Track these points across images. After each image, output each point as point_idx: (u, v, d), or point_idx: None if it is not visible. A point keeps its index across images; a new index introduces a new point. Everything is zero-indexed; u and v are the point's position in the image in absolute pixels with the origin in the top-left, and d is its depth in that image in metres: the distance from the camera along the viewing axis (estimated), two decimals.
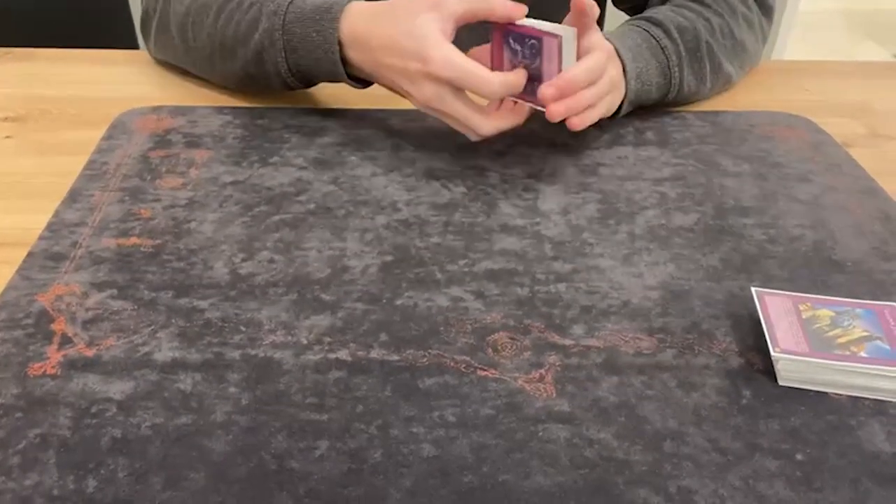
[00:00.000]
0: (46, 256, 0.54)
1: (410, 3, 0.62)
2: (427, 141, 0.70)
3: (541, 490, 0.39)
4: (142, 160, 0.66)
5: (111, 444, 0.41)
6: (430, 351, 0.48)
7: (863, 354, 0.45)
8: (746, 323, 0.50)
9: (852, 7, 3.29)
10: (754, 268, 0.56)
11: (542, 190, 0.64)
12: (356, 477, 0.40)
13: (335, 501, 0.38)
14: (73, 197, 0.61)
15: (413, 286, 0.53)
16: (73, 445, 0.41)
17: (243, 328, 0.49)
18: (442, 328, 0.49)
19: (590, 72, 0.60)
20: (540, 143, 0.70)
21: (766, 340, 0.46)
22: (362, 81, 0.69)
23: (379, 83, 0.68)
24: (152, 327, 0.48)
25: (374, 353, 0.47)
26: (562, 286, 0.53)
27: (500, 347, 0.48)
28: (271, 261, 0.55)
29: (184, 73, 0.80)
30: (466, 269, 0.54)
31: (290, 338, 0.48)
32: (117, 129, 0.71)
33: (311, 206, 0.61)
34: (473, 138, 0.64)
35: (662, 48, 0.71)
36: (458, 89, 0.61)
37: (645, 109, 0.74)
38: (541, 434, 0.42)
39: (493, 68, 0.63)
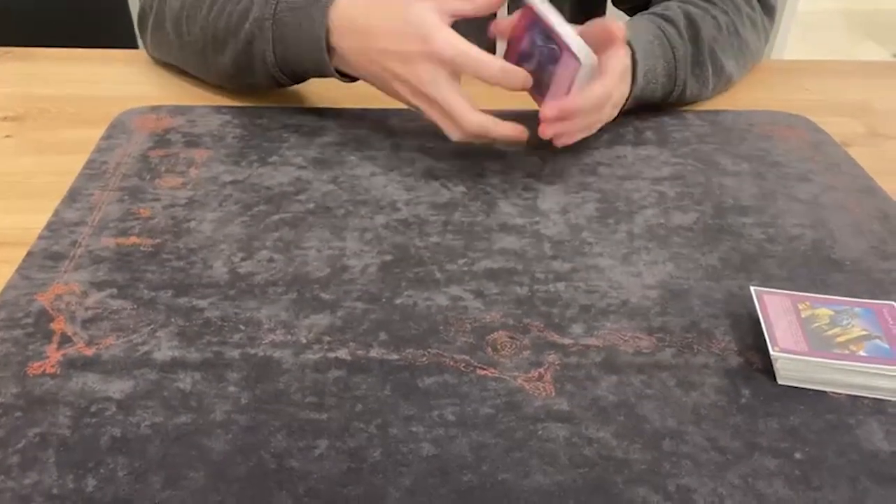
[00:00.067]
0: (46, 256, 0.54)
1: None
2: (426, 140, 0.70)
3: (540, 489, 0.39)
4: (141, 159, 0.66)
5: (111, 443, 0.41)
6: (429, 350, 0.48)
7: (862, 353, 0.45)
8: (745, 322, 0.50)
9: (852, 7, 3.29)
10: (753, 267, 0.56)
11: (542, 189, 0.64)
12: (355, 476, 0.40)
13: (335, 500, 0.39)
14: (72, 196, 0.61)
15: (412, 285, 0.53)
16: (73, 444, 0.41)
17: (243, 327, 0.49)
18: (441, 327, 0.49)
19: (597, 100, 0.61)
20: (539, 143, 0.70)
21: (765, 339, 0.46)
22: (348, 76, 0.69)
23: (364, 74, 0.67)
24: (152, 326, 0.49)
25: (374, 353, 0.47)
26: (561, 285, 0.53)
27: (499, 346, 0.48)
28: (271, 260, 0.55)
29: (183, 72, 0.80)
30: (466, 269, 0.55)
31: (289, 337, 0.48)
32: (117, 129, 0.71)
33: (311, 205, 0.61)
34: (454, 136, 0.63)
35: (673, 48, 0.71)
36: (453, 77, 0.61)
37: (644, 109, 0.74)
38: (540, 433, 0.42)
39: (510, 41, 0.63)
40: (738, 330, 0.50)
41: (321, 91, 0.78)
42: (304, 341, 0.48)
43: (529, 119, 0.63)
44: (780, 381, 0.46)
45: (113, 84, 0.81)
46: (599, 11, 0.94)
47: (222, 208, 0.60)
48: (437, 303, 0.51)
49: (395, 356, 0.47)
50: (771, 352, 0.46)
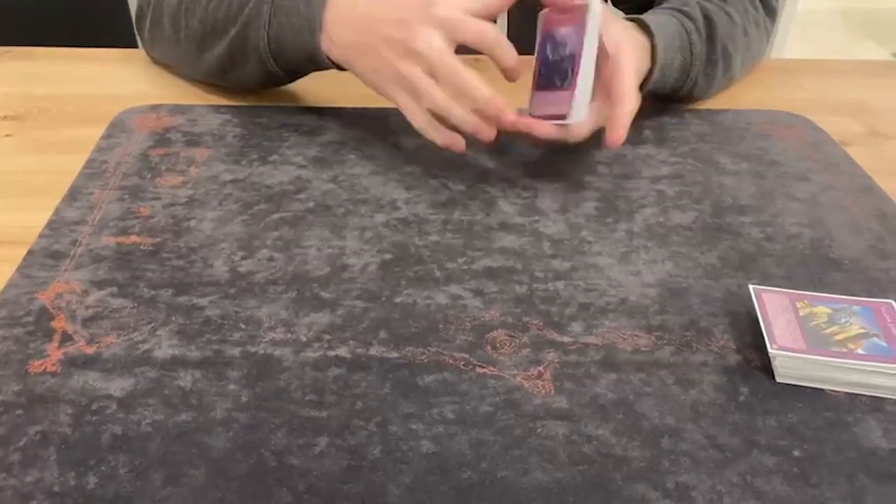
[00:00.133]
0: (46, 254, 0.54)
1: None
2: (426, 140, 0.70)
3: (539, 486, 0.40)
4: (141, 158, 0.66)
5: (111, 440, 0.41)
6: (429, 348, 0.48)
7: (860, 351, 0.45)
8: (744, 320, 0.51)
9: (851, 6, 3.30)
10: (752, 265, 0.56)
11: (541, 188, 0.64)
12: (355, 473, 0.40)
13: (335, 497, 0.39)
14: (72, 195, 0.61)
15: (412, 284, 0.53)
16: (74, 442, 0.41)
17: (243, 325, 0.49)
18: (441, 326, 0.49)
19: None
20: (539, 142, 0.70)
21: (763, 337, 0.46)
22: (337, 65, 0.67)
23: (358, 61, 0.64)
24: (152, 325, 0.49)
25: (374, 351, 0.47)
26: (560, 284, 0.53)
27: (498, 345, 0.48)
28: (271, 259, 0.55)
29: None
30: (465, 267, 0.55)
31: (289, 335, 0.48)
32: (117, 128, 0.71)
33: (311, 204, 0.61)
34: (432, 99, 0.60)
35: (691, 44, 0.71)
36: (449, 44, 0.59)
37: (644, 108, 0.74)
38: (539, 430, 0.43)
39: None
40: (737, 328, 0.50)
41: (321, 90, 0.78)
42: (304, 339, 0.48)
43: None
44: (778, 379, 0.46)
45: (113, 83, 0.81)
46: None
47: (222, 207, 0.60)
48: (436, 301, 0.51)
49: (394, 354, 0.47)
50: (769, 350, 0.46)
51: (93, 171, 0.64)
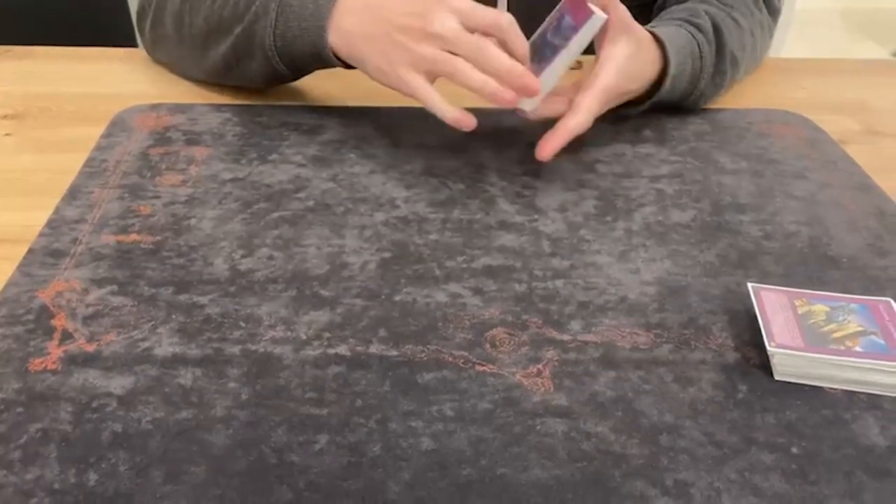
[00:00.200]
0: (46, 253, 0.54)
1: None
2: (426, 138, 0.70)
3: (538, 483, 0.40)
4: (141, 157, 0.66)
5: (112, 438, 0.41)
6: (428, 346, 0.48)
7: (857, 349, 0.45)
8: (743, 318, 0.51)
9: (851, 6, 3.30)
10: (751, 264, 0.56)
11: (540, 187, 0.64)
12: (355, 470, 0.40)
13: (335, 494, 0.39)
14: (72, 194, 0.61)
15: (412, 282, 0.53)
16: (74, 440, 0.41)
17: (243, 324, 0.49)
18: (440, 324, 0.50)
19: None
20: (538, 141, 0.70)
21: (761, 335, 0.47)
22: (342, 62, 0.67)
23: (367, 50, 0.64)
24: (152, 323, 0.49)
25: (373, 349, 0.48)
26: (559, 282, 0.54)
27: (498, 343, 0.48)
28: (270, 257, 0.55)
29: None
30: (465, 266, 0.55)
31: (289, 333, 0.48)
32: (117, 127, 0.71)
33: (310, 203, 0.61)
34: (462, 72, 0.60)
35: (702, 57, 0.71)
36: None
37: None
38: (538, 428, 0.43)
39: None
40: (736, 326, 0.50)
41: (321, 89, 0.78)
42: (304, 337, 0.48)
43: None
44: (776, 377, 0.46)
45: (113, 82, 0.81)
46: None
47: (222, 206, 0.60)
48: (436, 299, 0.52)
49: (394, 352, 0.47)
50: (768, 347, 0.46)
51: (93, 169, 0.64)
